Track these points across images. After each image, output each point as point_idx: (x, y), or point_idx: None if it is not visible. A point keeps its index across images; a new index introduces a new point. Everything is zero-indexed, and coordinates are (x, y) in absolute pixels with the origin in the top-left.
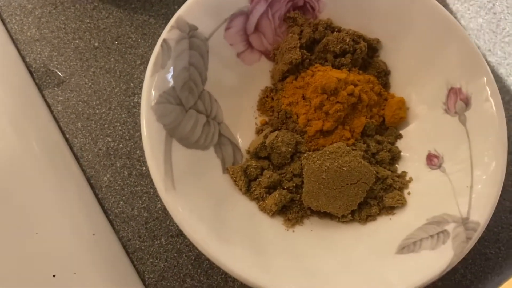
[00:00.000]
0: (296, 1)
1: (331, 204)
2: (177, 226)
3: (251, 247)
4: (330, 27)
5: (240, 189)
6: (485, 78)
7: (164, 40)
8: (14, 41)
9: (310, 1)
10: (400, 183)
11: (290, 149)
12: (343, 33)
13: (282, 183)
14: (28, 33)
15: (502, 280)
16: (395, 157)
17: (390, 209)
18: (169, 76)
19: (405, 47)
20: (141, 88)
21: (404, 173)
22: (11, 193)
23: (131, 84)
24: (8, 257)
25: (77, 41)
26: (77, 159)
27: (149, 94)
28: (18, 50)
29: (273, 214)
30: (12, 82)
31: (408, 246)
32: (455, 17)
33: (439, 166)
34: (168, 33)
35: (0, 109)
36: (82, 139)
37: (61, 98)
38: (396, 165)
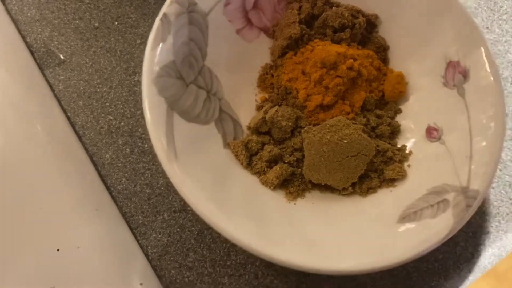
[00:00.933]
0: None
1: (331, 177)
2: (179, 201)
3: (253, 217)
4: (328, 3)
5: (241, 164)
6: (482, 50)
7: (164, 14)
8: (14, 22)
9: None
10: (400, 156)
11: (290, 123)
12: (342, 8)
13: (283, 157)
14: (28, 14)
15: (503, 253)
16: (395, 131)
17: (390, 181)
18: (170, 50)
19: (403, 22)
20: (141, 67)
21: (404, 147)
22: (15, 171)
23: (132, 63)
24: (13, 232)
25: (77, 22)
26: (79, 137)
27: (150, 67)
28: (19, 30)
29: (274, 187)
30: (13, 62)
31: (409, 216)
32: None
33: (439, 139)
34: (168, 7)
35: (2, 89)
36: (83, 118)
37: (62, 77)
38: (396, 139)
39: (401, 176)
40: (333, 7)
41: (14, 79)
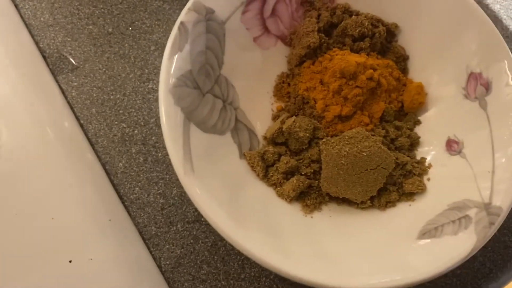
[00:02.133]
0: None
1: (350, 190)
2: (193, 212)
3: (269, 231)
4: (348, 11)
5: (258, 175)
6: (506, 62)
7: (182, 23)
8: (27, 27)
9: None
10: (420, 169)
11: (307, 134)
12: (362, 17)
13: (300, 169)
14: (42, 19)
15: None
16: (414, 143)
17: (410, 195)
18: (187, 59)
19: (424, 31)
20: (155, 74)
21: (423, 159)
22: (26, 179)
23: (146, 70)
24: (25, 243)
25: (90, 27)
26: (92, 145)
27: (167, 77)
28: (32, 35)
29: (290, 200)
30: (25, 68)
31: (430, 232)
32: None
33: (459, 152)
34: (185, 15)
35: (15, 95)
36: (96, 125)
37: (75, 83)
38: (415, 151)
39: (421, 190)
40: (353, 16)
41: (27, 85)
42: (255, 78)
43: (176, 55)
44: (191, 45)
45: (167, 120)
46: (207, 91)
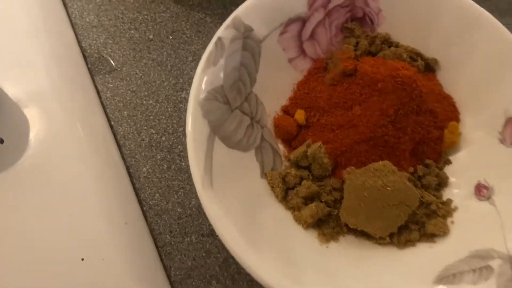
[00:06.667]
0: (355, 12)
1: (370, 224)
2: (209, 225)
3: (282, 256)
4: (387, 42)
5: (277, 196)
6: None
7: (219, 38)
8: (73, 26)
9: (369, 14)
10: (445, 210)
11: (332, 161)
12: (401, 49)
13: (321, 196)
14: (87, 19)
15: None
16: (442, 183)
17: (431, 237)
18: (220, 74)
19: (464, 70)
20: (189, 84)
21: (449, 201)
22: (51, 171)
23: (181, 79)
24: (41, 236)
25: (132, 32)
26: (119, 147)
27: (198, 89)
28: (76, 34)
29: (307, 226)
30: (66, 64)
31: (447, 277)
32: None
33: (488, 198)
34: (223, 31)
35: (53, 89)
36: (126, 128)
37: (111, 85)
38: (442, 191)
39: (443, 232)
40: (392, 47)
41: (65, 80)
42: (286, 99)
43: (210, 69)
44: (226, 61)
45: (193, 131)
46: (236, 107)
